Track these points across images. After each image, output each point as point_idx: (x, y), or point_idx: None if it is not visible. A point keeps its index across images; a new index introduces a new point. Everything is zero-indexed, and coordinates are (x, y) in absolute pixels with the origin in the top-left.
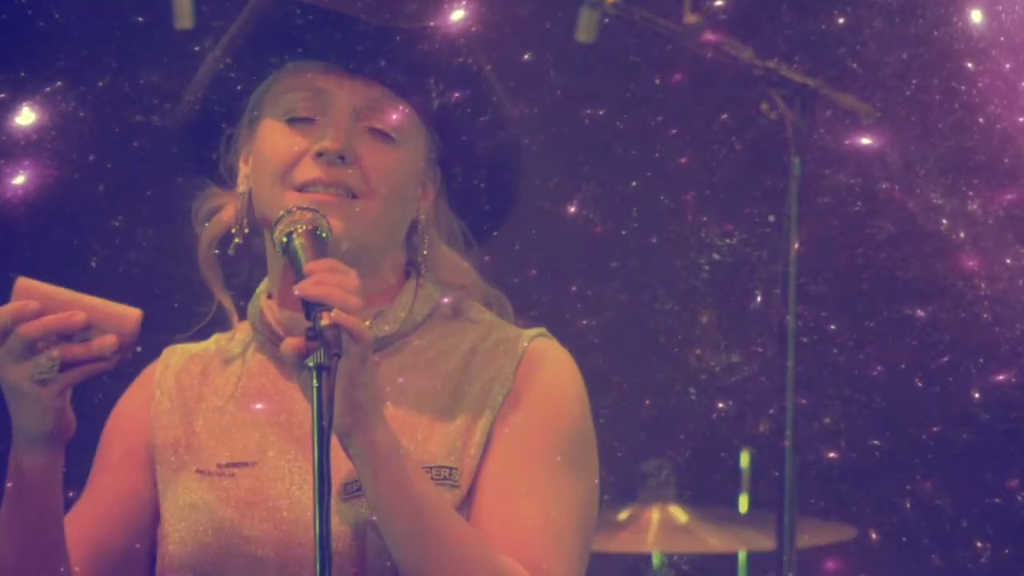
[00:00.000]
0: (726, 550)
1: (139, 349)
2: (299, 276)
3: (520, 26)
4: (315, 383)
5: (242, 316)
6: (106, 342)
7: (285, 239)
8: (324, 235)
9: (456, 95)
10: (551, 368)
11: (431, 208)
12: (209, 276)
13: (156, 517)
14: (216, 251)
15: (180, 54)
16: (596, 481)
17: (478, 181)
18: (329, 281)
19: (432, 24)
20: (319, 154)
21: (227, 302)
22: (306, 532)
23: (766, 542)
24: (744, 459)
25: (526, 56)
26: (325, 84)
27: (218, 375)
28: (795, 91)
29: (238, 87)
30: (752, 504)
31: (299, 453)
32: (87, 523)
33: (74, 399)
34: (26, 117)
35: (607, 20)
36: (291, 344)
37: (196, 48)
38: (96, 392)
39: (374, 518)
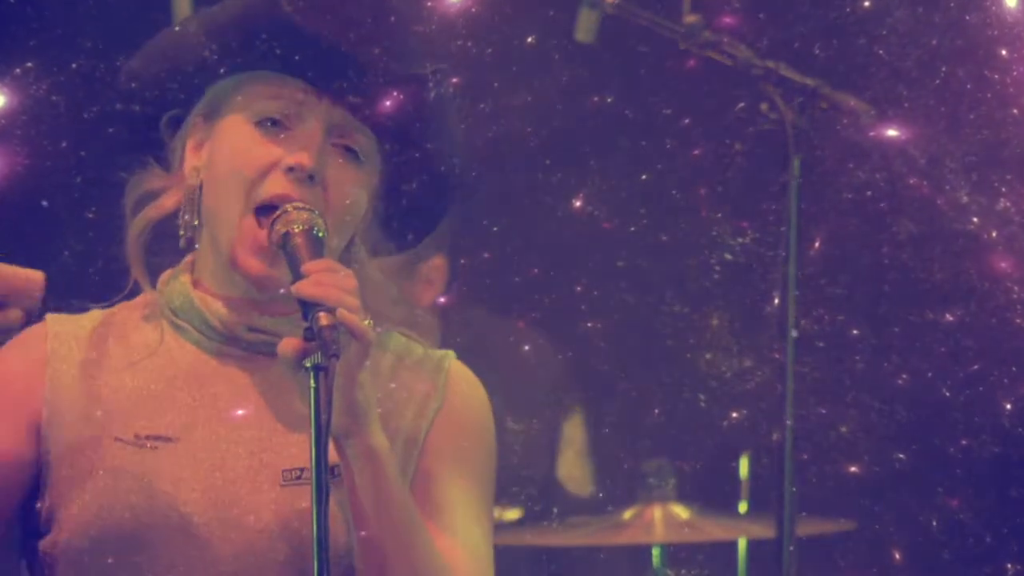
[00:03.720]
0: (727, 537)
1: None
2: (296, 276)
3: (523, 10)
4: (312, 384)
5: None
6: (11, 316)
7: (282, 238)
8: (320, 234)
9: (419, 124)
10: (473, 390)
11: (365, 224)
12: (135, 256)
13: (28, 486)
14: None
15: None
16: None
17: (415, 201)
18: (327, 281)
19: (421, 70)
20: (290, 169)
21: (145, 283)
22: (246, 513)
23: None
24: (743, 468)
25: (529, 40)
26: (304, 97)
27: (123, 343)
28: (795, 91)
29: (201, 76)
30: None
31: (230, 434)
32: None
33: None
34: None
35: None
36: (290, 345)
37: (176, 29)
38: None
39: (360, 519)
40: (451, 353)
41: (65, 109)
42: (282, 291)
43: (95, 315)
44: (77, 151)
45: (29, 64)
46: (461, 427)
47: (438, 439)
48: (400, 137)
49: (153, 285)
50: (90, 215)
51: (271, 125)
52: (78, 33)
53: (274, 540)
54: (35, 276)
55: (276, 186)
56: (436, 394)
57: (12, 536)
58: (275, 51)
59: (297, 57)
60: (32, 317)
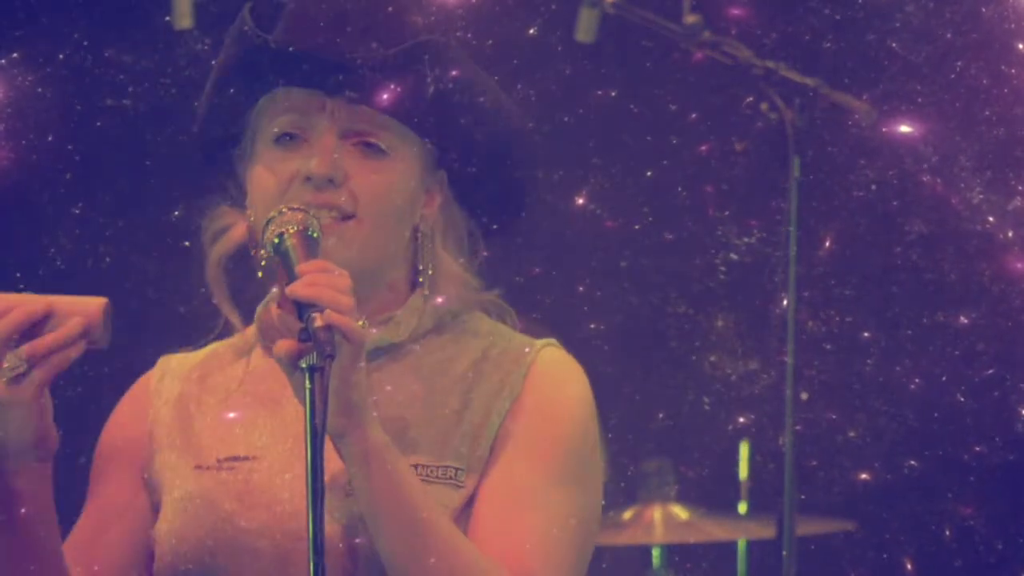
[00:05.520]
0: (727, 538)
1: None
2: (291, 277)
3: (524, 2)
4: (307, 384)
5: (248, 322)
6: (72, 325)
7: (276, 239)
8: (315, 235)
9: (437, 103)
10: (559, 379)
11: (436, 214)
12: (217, 292)
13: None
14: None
15: (150, 27)
16: (599, 496)
17: (480, 176)
18: (320, 282)
19: (405, 46)
20: (308, 178)
21: (233, 316)
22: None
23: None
24: (743, 458)
25: (530, 32)
26: (309, 107)
27: (219, 376)
28: (795, 91)
29: (233, 112)
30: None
31: (298, 448)
32: (87, 544)
33: (62, 417)
34: None
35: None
36: (284, 346)
37: (166, 19)
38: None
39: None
40: (542, 342)
41: (54, 102)
42: (275, 289)
43: (206, 349)
44: (64, 145)
45: (15, 55)
46: (538, 416)
47: (513, 428)
48: (437, 126)
49: (245, 318)
50: (77, 211)
51: (288, 140)
52: (66, 24)
53: (340, 550)
54: (94, 300)
55: (299, 195)
56: (513, 384)
57: None
58: (272, 73)
59: (293, 72)
60: (99, 345)
